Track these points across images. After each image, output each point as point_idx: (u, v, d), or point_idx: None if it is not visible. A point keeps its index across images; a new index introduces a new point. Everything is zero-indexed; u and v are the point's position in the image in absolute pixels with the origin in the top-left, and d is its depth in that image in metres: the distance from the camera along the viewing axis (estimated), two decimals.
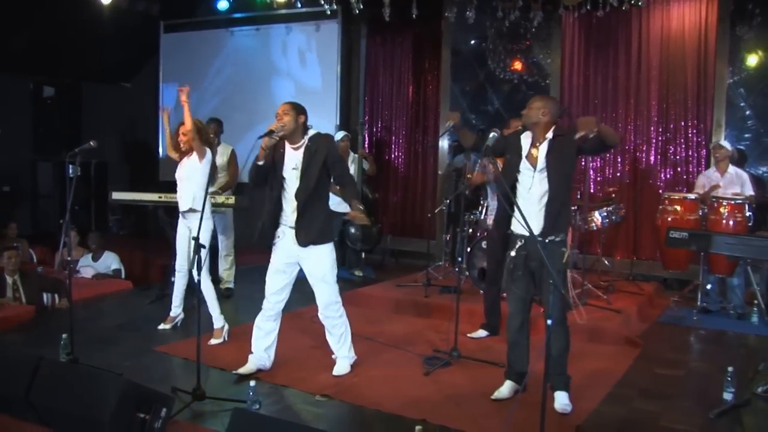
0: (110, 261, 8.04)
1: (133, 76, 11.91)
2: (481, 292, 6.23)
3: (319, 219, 4.50)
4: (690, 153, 8.12)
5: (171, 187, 6.96)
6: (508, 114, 8.83)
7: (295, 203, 4.49)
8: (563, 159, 4.12)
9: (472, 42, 9.42)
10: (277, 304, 4.74)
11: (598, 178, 8.65)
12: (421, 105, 9.94)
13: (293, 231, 4.52)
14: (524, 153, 4.20)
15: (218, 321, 5.63)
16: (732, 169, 6.85)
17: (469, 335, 5.85)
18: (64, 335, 4.89)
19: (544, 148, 4.14)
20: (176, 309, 5.99)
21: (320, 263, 4.56)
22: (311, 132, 4.54)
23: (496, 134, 4.14)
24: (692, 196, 6.89)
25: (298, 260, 4.60)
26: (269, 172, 4.51)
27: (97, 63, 10.91)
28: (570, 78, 8.73)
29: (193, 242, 4.83)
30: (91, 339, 5.56)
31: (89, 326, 5.98)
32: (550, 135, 4.16)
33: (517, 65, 9.06)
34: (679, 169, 8.19)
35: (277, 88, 10.15)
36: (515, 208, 3.91)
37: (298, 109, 4.46)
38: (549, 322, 3.49)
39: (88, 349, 5.15)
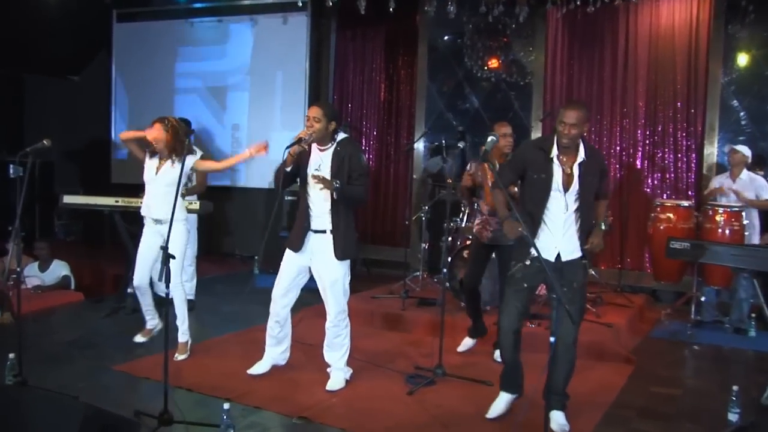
0: (60, 271, 7.80)
1: (82, 69, 11.60)
2: (462, 304, 6.17)
3: (350, 230, 4.70)
4: (679, 157, 8.19)
5: (126, 190, 6.83)
6: (487, 114, 8.94)
7: (321, 207, 4.64)
8: (593, 183, 4.20)
9: (450, 38, 9.42)
10: (284, 309, 4.91)
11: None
12: (393, 104, 9.91)
13: (320, 237, 4.66)
14: (556, 174, 4.13)
15: (184, 335, 5.53)
16: (746, 174, 6.84)
17: (458, 349, 5.84)
18: (10, 355, 4.68)
19: (577, 169, 4.12)
20: (152, 321, 5.86)
21: (337, 268, 4.70)
22: (340, 136, 4.68)
23: (494, 139, 4.06)
24: (686, 203, 6.95)
25: (311, 263, 4.74)
26: (297, 173, 4.68)
27: (42, 53, 10.58)
28: (553, 77, 8.77)
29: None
30: (40, 358, 5.36)
31: (38, 343, 5.77)
32: (582, 155, 4.13)
33: (496, 63, 9.05)
34: (667, 174, 8.25)
35: (241, 85, 10.06)
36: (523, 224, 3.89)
37: (330, 115, 4.57)
38: (552, 339, 3.54)
39: (39, 370, 4.96)
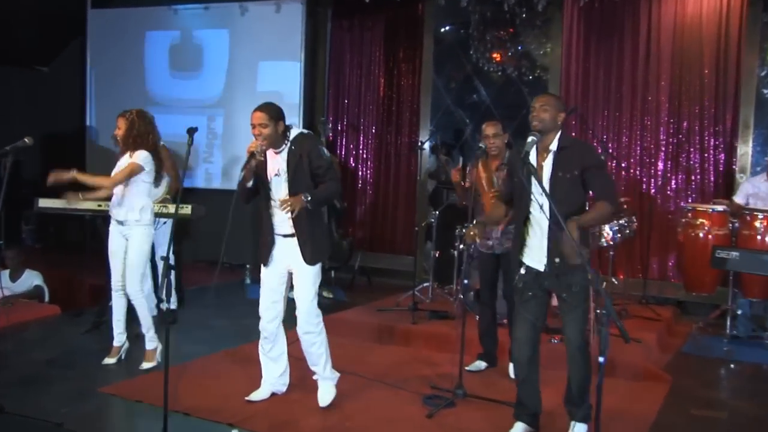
0: (32, 281, 7.62)
1: (52, 59, 11.38)
2: (477, 318, 6.08)
3: (319, 230, 4.72)
4: (706, 157, 8.11)
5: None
6: (499, 110, 8.86)
7: (282, 213, 4.57)
8: (566, 178, 4.03)
9: (456, 28, 9.39)
10: (272, 323, 4.79)
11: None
12: (394, 100, 9.81)
13: (289, 242, 4.64)
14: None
15: (152, 341, 5.59)
16: None
17: (467, 368, 5.72)
18: None
19: (550, 162, 4.08)
20: (120, 337, 5.76)
21: (306, 275, 4.71)
22: (293, 132, 4.61)
23: (535, 139, 3.98)
24: (720, 207, 6.85)
25: (290, 269, 4.72)
26: (258, 185, 4.66)
27: (6, 42, 10.34)
28: (569, 70, 8.67)
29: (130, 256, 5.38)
30: (16, 379, 5.23)
31: (13, 363, 5.64)
32: (554, 146, 4.07)
33: (506, 56, 8.97)
34: (692, 176, 8.16)
35: (228, 79, 9.92)
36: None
37: (275, 116, 4.50)
38: (602, 359, 3.42)
39: (15, 394, 4.82)
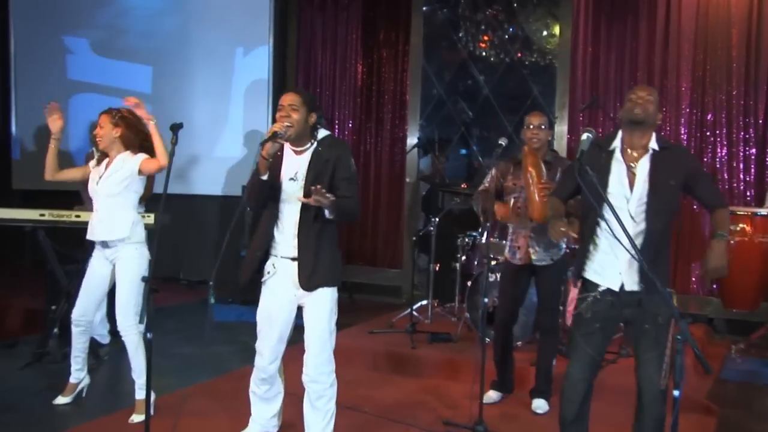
0: None
1: None
2: (488, 340, 5.92)
3: (327, 251, 4.27)
4: (734, 152, 8.03)
5: (34, 197, 6.40)
6: (499, 101, 8.76)
7: (295, 228, 4.23)
8: (668, 186, 3.89)
9: (448, 8, 9.21)
10: (273, 364, 4.49)
11: None
12: (374, 90, 9.75)
13: (293, 264, 4.25)
14: (615, 172, 3.93)
15: (142, 390, 5.16)
16: None
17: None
18: None
19: (646, 165, 3.90)
20: (79, 373, 5.46)
21: (320, 308, 4.31)
22: (322, 133, 4.30)
23: (590, 136, 3.77)
24: (764, 211, 6.75)
25: (299, 302, 4.36)
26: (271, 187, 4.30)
27: None
28: (575, 56, 8.62)
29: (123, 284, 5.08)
30: None
31: None
32: (653, 146, 3.91)
33: (503, 39, 8.85)
34: (718, 175, 8.08)
35: (189, 66, 9.81)
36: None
37: (310, 104, 4.22)
38: (676, 393, 3.25)
39: None
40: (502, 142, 5.22)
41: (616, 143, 3.94)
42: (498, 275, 6.34)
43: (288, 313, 4.39)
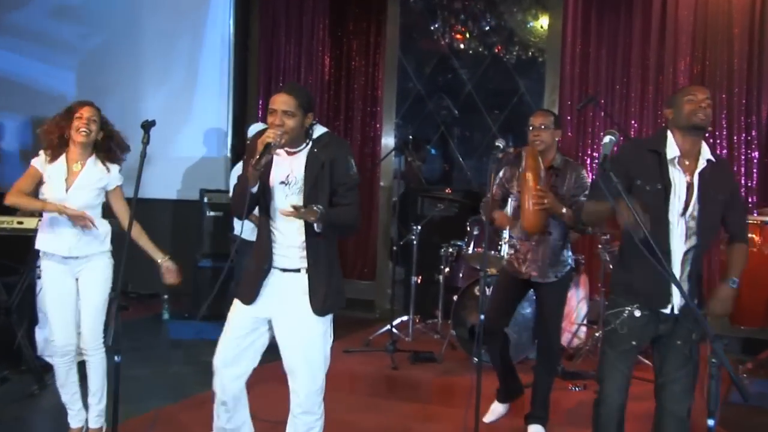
0: None
1: None
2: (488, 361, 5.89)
3: (336, 267, 4.17)
4: (735, 156, 8.03)
5: None
6: (482, 97, 8.77)
7: (292, 239, 4.08)
8: (717, 201, 3.93)
9: None
10: (234, 382, 4.26)
11: None
12: (343, 85, 9.69)
13: (294, 277, 4.09)
14: (677, 184, 3.89)
15: (99, 419, 5.12)
16: None
17: (485, 420, 5.64)
18: None
19: (698, 179, 3.91)
20: (79, 414, 5.19)
21: (314, 325, 4.11)
22: (317, 131, 4.13)
23: (613, 138, 3.72)
24: None
25: (272, 319, 4.16)
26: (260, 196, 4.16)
27: None
28: (566, 50, 8.55)
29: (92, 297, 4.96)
30: None
31: None
32: (705, 157, 3.91)
33: (483, 31, 8.85)
34: None
35: (139, 56, 9.64)
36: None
37: (307, 105, 4.01)
38: (711, 423, 3.31)
39: None
40: (500, 144, 5.07)
41: (675, 150, 3.89)
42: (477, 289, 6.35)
43: (256, 324, 4.21)
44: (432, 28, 9.08)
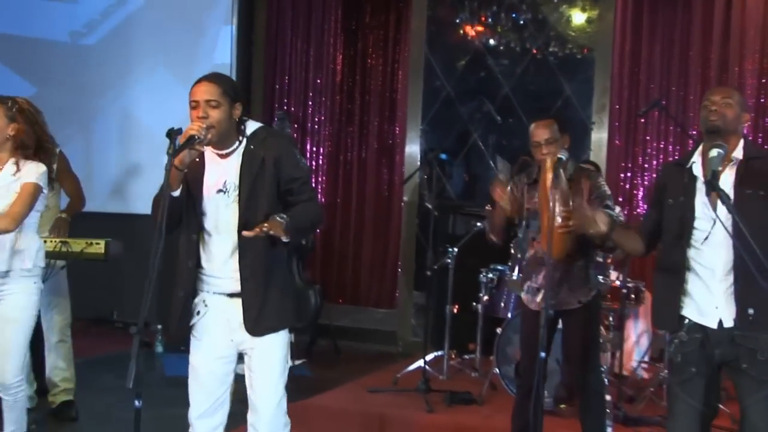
0: None
1: None
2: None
3: (278, 281, 4.10)
4: None
5: None
6: (519, 100, 8.72)
7: (229, 254, 4.02)
8: (758, 201, 3.95)
9: None
10: None
11: None
12: (358, 86, 9.76)
13: (232, 302, 4.06)
14: (701, 193, 3.98)
15: None
16: None
17: None
18: None
19: (732, 178, 3.98)
20: None
21: (271, 352, 4.15)
22: (251, 126, 4.11)
23: (722, 152, 3.83)
24: None
25: (241, 348, 4.16)
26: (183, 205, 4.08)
27: None
28: (615, 47, 8.56)
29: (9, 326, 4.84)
30: None
31: None
32: (739, 154, 3.99)
33: (530, 24, 8.80)
34: None
35: (130, 52, 9.68)
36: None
37: (232, 93, 3.98)
38: None
39: None
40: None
41: (695, 157, 4.04)
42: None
43: (225, 365, 4.18)
44: (462, 20, 9.05)
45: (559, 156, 4.86)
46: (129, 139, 9.54)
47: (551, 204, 4.78)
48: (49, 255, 5.57)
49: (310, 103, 9.80)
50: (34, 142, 4.95)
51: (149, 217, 9.53)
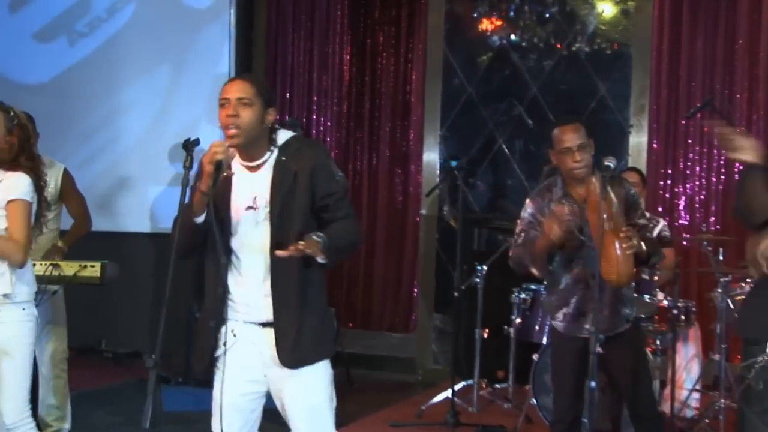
0: None
1: None
2: None
3: (316, 309, 4.02)
4: None
5: None
6: (549, 101, 8.72)
7: (261, 278, 3.96)
8: None
9: None
10: None
11: (698, 217, 8.39)
12: (366, 89, 9.82)
13: (264, 332, 3.99)
14: None
15: None
16: None
17: None
18: None
19: None
20: None
21: (313, 389, 4.06)
22: (282, 135, 4.01)
23: None
24: None
25: (271, 383, 4.06)
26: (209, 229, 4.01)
27: None
28: (653, 43, 8.55)
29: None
30: None
31: None
32: None
33: (559, 19, 8.81)
34: None
35: (116, 55, 9.67)
36: None
37: (266, 95, 3.92)
38: None
39: None
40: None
41: None
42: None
43: (252, 401, 4.11)
44: (481, 14, 9.06)
45: (606, 163, 4.72)
46: (115, 150, 9.54)
47: (604, 223, 4.65)
48: (39, 279, 5.42)
49: (315, 107, 9.87)
50: (14, 155, 4.83)
51: (140, 235, 9.62)
